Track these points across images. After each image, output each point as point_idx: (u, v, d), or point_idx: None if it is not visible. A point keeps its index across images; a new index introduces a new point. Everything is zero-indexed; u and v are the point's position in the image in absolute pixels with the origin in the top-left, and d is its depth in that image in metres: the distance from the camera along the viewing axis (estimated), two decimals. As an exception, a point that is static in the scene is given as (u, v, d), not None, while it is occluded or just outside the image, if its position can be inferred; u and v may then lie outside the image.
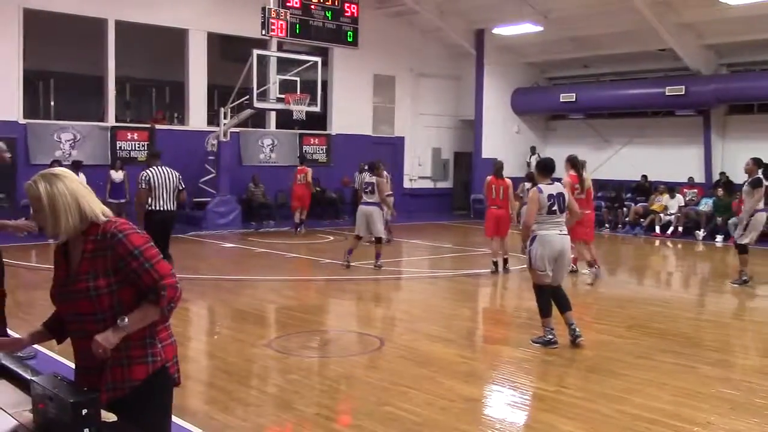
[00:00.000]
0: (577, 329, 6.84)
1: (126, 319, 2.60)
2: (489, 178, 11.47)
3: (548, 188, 6.87)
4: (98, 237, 2.64)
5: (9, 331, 6.16)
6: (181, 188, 9.32)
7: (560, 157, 22.54)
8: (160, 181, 9.13)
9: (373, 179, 11.45)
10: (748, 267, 10.67)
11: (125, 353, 2.66)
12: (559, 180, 7.61)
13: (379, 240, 11.53)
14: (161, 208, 9.14)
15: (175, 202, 9.27)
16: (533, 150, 22.17)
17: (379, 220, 11.45)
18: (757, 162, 10.89)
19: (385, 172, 15.23)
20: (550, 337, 6.85)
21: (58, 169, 2.74)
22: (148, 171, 9.27)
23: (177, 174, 9.34)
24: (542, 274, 6.84)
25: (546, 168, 7.11)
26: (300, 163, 17.75)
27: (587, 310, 8.91)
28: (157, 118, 19.57)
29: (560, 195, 6.89)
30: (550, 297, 6.94)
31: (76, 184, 2.69)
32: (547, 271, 6.83)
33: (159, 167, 9.30)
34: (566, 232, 6.95)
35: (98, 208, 2.70)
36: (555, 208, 6.83)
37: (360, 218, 11.45)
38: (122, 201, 15.53)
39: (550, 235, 6.80)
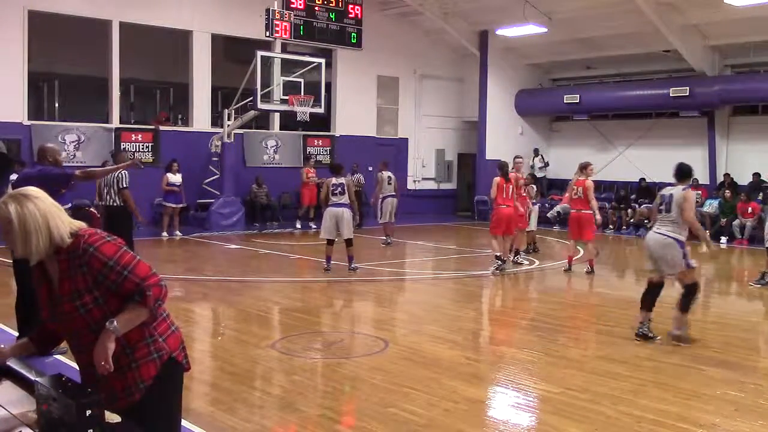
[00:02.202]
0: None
1: (115, 322, 2.59)
2: (497, 179, 11.44)
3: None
4: (70, 255, 2.62)
5: None
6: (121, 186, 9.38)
7: (563, 159, 22.59)
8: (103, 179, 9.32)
9: (342, 180, 11.22)
10: None
11: (131, 357, 2.68)
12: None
13: (349, 242, 11.24)
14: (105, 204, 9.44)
15: (116, 198, 9.38)
16: (536, 152, 22.16)
17: (350, 222, 11.20)
18: None
19: (387, 173, 15.33)
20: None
21: (29, 190, 2.68)
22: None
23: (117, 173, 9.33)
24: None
25: (682, 173, 7.80)
26: (309, 164, 18.00)
27: (591, 312, 8.90)
28: (160, 119, 19.61)
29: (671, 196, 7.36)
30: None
31: (47, 204, 2.64)
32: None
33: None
34: (663, 231, 7.18)
35: (65, 230, 2.63)
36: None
37: (330, 220, 11.06)
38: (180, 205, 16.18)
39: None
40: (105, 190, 9.43)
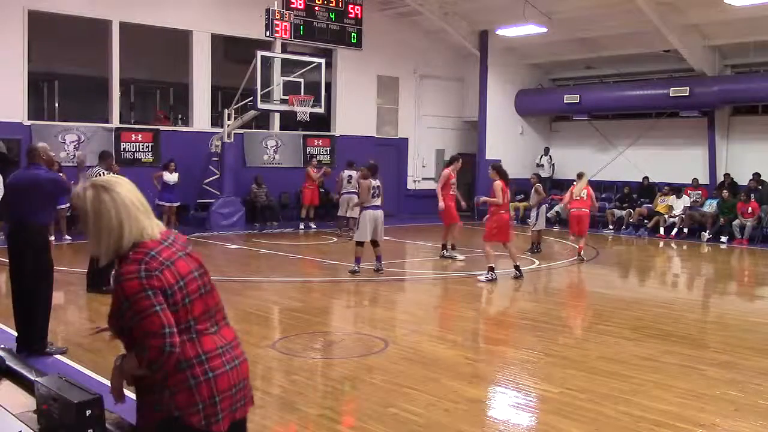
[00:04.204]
0: None
1: (121, 360, 2.44)
2: (500, 183, 10.93)
3: None
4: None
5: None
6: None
7: (563, 159, 22.59)
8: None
9: (378, 182, 11.26)
10: None
11: (162, 382, 2.45)
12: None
13: (376, 243, 11.22)
14: None
15: None
16: (546, 151, 22.18)
17: (383, 224, 11.25)
18: None
19: (348, 172, 16.10)
20: None
21: (113, 178, 2.49)
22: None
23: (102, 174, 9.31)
24: None
25: None
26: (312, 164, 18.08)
27: (591, 311, 8.90)
28: (159, 117, 19.62)
29: None
30: None
31: (128, 199, 2.44)
32: None
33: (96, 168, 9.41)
34: None
35: (131, 237, 2.41)
36: None
37: (370, 223, 11.02)
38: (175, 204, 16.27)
39: None
40: None
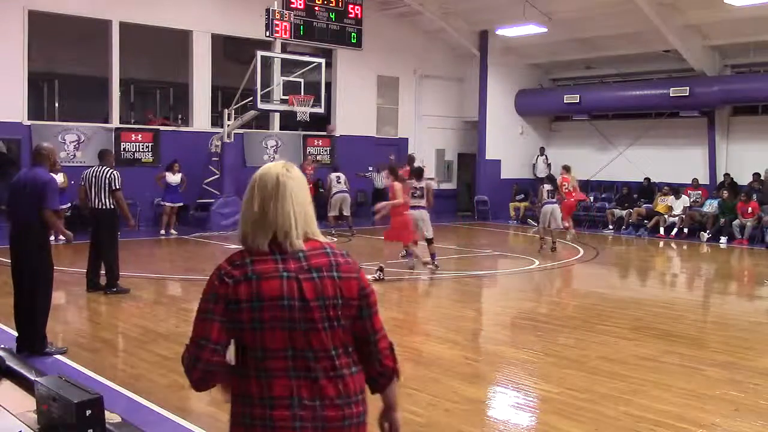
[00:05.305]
0: None
1: None
2: (397, 183, 10.93)
3: None
4: None
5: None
6: (113, 188, 9.20)
7: (563, 159, 22.60)
8: (91, 181, 9.22)
9: (423, 184, 11.59)
10: None
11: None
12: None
13: (430, 241, 11.64)
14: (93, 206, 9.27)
15: (105, 200, 9.19)
16: (542, 151, 22.19)
17: (429, 222, 11.57)
18: None
19: (336, 174, 16.50)
20: None
21: (290, 169, 2.27)
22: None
23: (107, 173, 9.26)
24: None
25: None
26: (308, 161, 18.14)
27: (591, 311, 8.90)
28: (150, 119, 19.57)
29: None
30: None
31: (299, 194, 2.23)
32: None
33: (98, 167, 9.39)
34: None
35: (248, 242, 2.19)
36: None
37: (417, 223, 11.43)
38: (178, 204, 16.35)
39: None
40: (93, 192, 9.17)
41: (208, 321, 2.11)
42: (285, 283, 2.11)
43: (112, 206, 9.19)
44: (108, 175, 9.16)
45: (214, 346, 2.10)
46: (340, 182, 16.77)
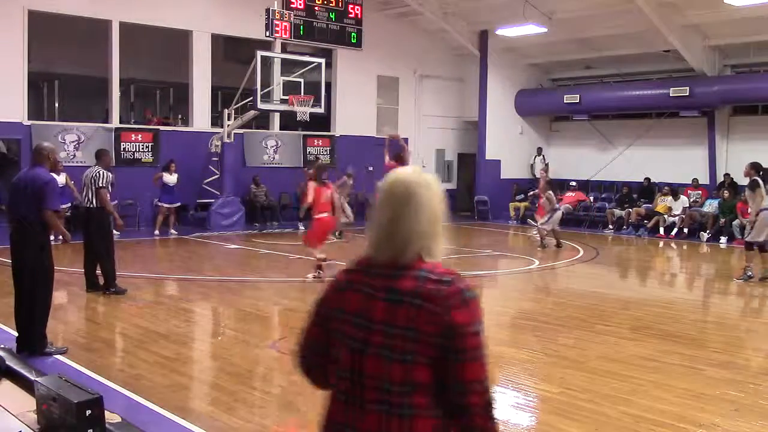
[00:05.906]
0: None
1: None
2: (312, 183, 10.75)
3: None
4: None
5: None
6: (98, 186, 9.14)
7: (563, 159, 22.52)
8: (85, 180, 9.25)
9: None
10: (754, 264, 11.05)
11: None
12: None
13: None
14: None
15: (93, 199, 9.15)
16: (539, 151, 22.19)
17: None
18: (754, 166, 11.81)
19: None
20: None
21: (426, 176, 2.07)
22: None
23: (94, 172, 9.23)
24: None
25: None
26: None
27: (591, 311, 8.90)
28: (148, 119, 19.57)
29: None
30: None
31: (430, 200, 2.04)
32: None
33: (94, 167, 9.39)
34: None
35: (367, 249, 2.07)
36: None
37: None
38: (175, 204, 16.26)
39: None
40: (84, 190, 9.20)
41: (309, 326, 2.08)
42: (364, 299, 1.95)
43: (101, 205, 9.16)
44: (95, 174, 9.15)
45: (302, 352, 2.11)
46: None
